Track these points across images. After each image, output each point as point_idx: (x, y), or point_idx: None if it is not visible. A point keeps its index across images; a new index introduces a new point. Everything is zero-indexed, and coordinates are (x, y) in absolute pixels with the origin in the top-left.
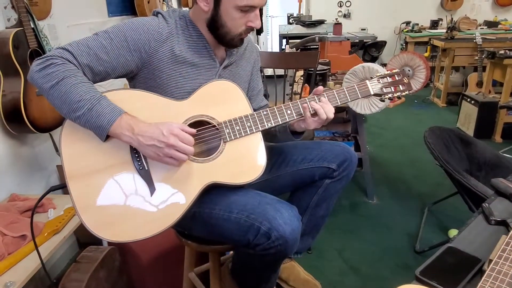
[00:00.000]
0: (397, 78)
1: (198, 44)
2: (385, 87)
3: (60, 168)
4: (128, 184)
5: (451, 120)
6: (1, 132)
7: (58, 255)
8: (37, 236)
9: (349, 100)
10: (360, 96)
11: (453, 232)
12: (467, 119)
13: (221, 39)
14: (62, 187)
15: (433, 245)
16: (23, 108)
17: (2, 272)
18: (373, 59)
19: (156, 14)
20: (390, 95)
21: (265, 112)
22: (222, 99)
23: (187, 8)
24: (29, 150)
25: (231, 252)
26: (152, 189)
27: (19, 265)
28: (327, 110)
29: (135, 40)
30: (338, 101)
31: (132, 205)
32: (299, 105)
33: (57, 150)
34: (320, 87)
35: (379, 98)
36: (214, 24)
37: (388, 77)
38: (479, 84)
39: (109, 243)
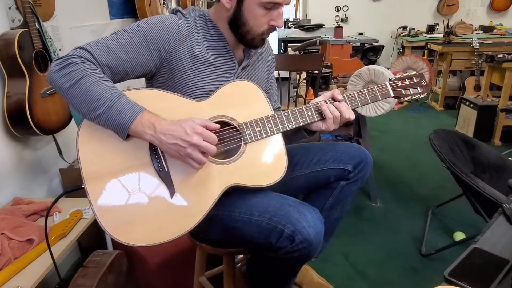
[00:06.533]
0: (415, 80)
1: (218, 43)
2: (404, 89)
3: (62, 171)
4: (147, 186)
5: (449, 123)
6: (4, 134)
7: (60, 260)
8: (42, 241)
9: (369, 102)
10: (380, 98)
11: (458, 235)
12: (466, 123)
13: (241, 38)
14: (77, 189)
15: (439, 248)
16: (28, 110)
17: (9, 277)
18: (371, 63)
19: (175, 12)
20: (409, 97)
21: (286, 114)
22: (242, 99)
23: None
24: (32, 153)
25: (240, 256)
26: (172, 191)
27: (27, 269)
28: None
29: (155, 39)
30: (359, 103)
31: (152, 207)
32: (320, 106)
33: (60, 153)
34: (337, 90)
35: (398, 100)
36: (236, 22)
37: (407, 79)
38: (477, 87)
39: (116, 247)
